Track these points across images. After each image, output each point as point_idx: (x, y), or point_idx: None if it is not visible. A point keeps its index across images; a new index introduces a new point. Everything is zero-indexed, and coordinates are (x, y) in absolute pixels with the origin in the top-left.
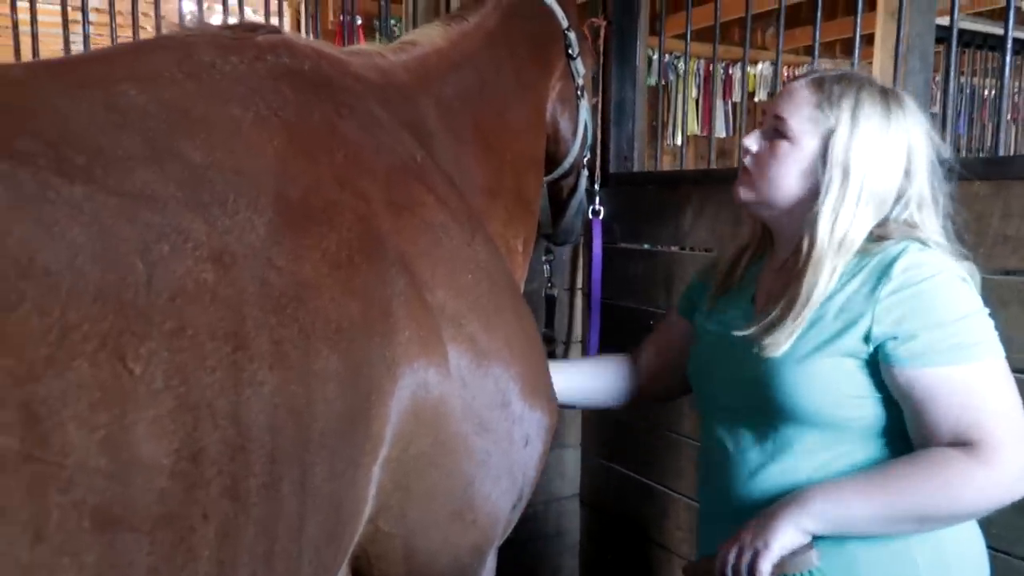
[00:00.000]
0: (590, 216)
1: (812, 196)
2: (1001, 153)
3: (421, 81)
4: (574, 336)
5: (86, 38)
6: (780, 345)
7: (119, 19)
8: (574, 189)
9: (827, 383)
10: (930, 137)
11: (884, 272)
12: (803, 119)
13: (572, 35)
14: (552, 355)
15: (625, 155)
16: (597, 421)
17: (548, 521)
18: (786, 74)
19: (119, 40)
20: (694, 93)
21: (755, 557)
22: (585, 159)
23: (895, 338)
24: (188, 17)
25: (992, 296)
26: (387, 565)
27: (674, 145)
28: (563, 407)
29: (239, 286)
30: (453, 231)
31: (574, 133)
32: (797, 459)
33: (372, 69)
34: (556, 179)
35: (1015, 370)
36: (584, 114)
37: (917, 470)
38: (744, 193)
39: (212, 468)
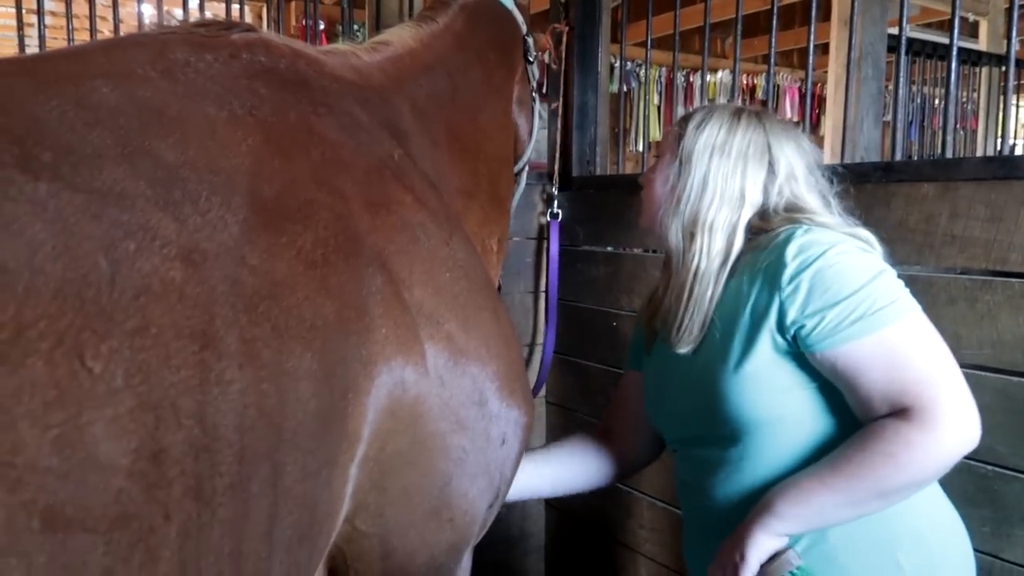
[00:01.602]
0: (548, 219)
1: (675, 201)
2: (948, 156)
3: (395, 82)
4: (538, 339)
5: (41, 39)
6: (682, 340)
7: (75, 22)
8: (517, 185)
9: (764, 383)
10: (796, 140)
11: (778, 260)
12: (666, 141)
13: (530, 40)
14: None
15: (588, 159)
16: (561, 424)
17: (512, 524)
18: (744, 81)
19: (76, 42)
20: (656, 100)
21: (736, 572)
22: (527, 162)
23: (803, 324)
24: (148, 20)
25: (941, 294)
26: (364, 565)
27: (636, 151)
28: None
29: (209, 284)
30: (431, 230)
31: (529, 133)
32: (763, 461)
33: (348, 69)
34: None
35: (965, 366)
36: (536, 119)
37: (862, 448)
38: (640, 220)
39: (175, 468)
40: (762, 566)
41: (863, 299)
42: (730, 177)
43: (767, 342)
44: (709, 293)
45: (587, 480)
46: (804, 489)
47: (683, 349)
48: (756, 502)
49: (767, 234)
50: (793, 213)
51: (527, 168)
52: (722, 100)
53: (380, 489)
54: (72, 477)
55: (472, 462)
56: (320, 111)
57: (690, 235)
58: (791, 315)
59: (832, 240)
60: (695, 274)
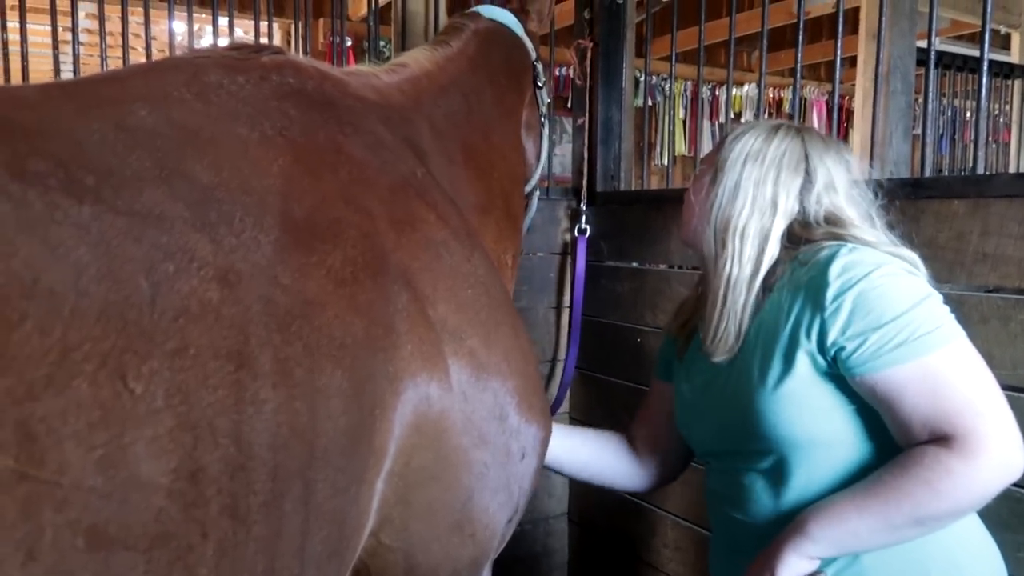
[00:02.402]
0: (576, 234)
1: (709, 209)
2: (980, 172)
3: (414, 102)
4: (560, 354)
5: (76, 59)
6: (718, 349)
7: (109, 39)
8: (526, 209)
9: (803, 402)
10: (837, 151)
11: (821, 279)
12: (709, 155)
13: (539, 66)
14: None
15: (612, 174)
16: None
17: (536, 540)
18: (771, 95)
19: (108, 61)
20: (681, 114)
21: None
22: (537, 184)
23: (843, 346)
24: (179, 38)
25: (973, 313)
26: None
27: (661, 165)
28: (558, 472)
29: (244, 305)
30: (454, 247)
31: (537, 157)
32: (798, 480)
33: (370, 89)
34: None
35: (1002, 386)
36: (545, 142)
37: (901, 474)
38: (681, 234)
39: (212, 487)
40: None
41: (907, 324)
42: (761, 184)
43: (806, 361)
44: (742, 300)
45: (612, 476)
46: (838, 512)
47: (719, 358)
48: (788, 521)
49: (809, 246)
50: (833, 227)
51: (537, 188)
52: (748, 114)
53: (405, 503)
54: (115, 496)
55: (493, 477)
56: (347, 130)
57: (722, 242)
58: (832, 336)
59: (877, 261)
60: (727, 281)
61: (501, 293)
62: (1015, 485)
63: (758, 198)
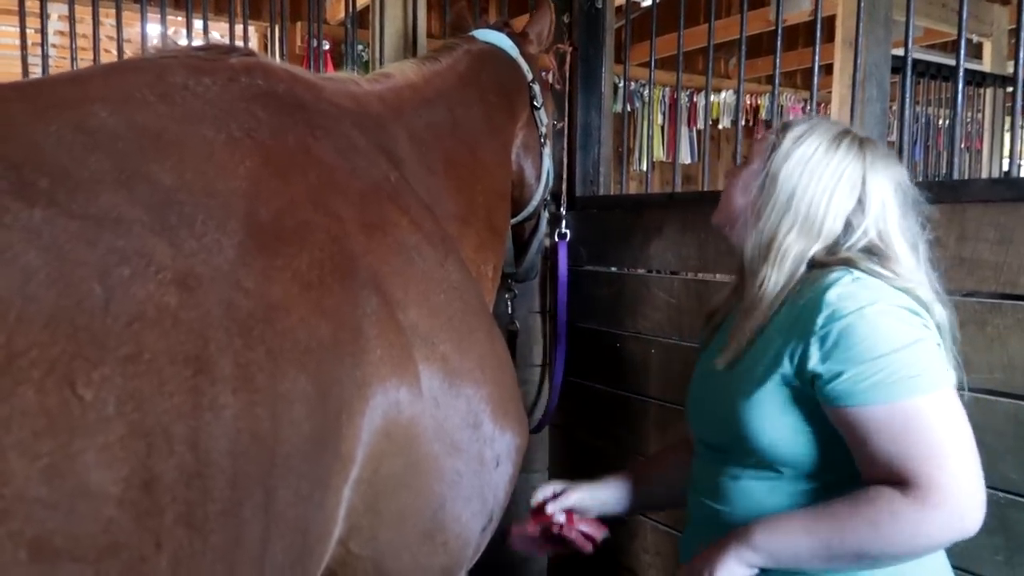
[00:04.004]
0: (555, 239)
1: (755, 215)
2: (955, 177)
3: (394, 111)
4: (542, 359)
5: (45, 58)
6: (725, 359)
7: (81, 42)
8: (535, 230)
9: (776, 418)
10: (897, 180)
11: (816, 303)
12: (760, 147)
13: (536, 87)
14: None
15: (591, 179)
16: (564, 446)
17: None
18: (748, 102)
19: (80, 64)
20: (660, 120)
21: None
22: (545, 203)
23: (821, 375)
24: (153, 41)
25: None
26: None
27: (640, 170)
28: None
29: (203, 309)
30: (426, 252)
31: (537, 178)
32: (764, 487)
33: (345, 95)
34: (520, 221)
35: (973, 390)
36: (547, 161)
37: (852, 508)
38: (713, 217)
39: (166, 495)
40: None
41: (887, 365)
42: (815, 205)
43: (786, 380)
44: (762, 316)
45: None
46: (785, 529)
47: (721, 363)
48: (749, 521)
49: (822, 270)
50: (869, 259)
51: (544, 212)
52: (725, 120)
53: (374, 511)
54: (61, 506)
55: (466, 485)
56: (317, 134)
57: (763, 257)
58: (811, 361)
59: (875, 297)
60: (759, 295)
61: (476, 299)
62: (992, 488)
63: (808, 219)
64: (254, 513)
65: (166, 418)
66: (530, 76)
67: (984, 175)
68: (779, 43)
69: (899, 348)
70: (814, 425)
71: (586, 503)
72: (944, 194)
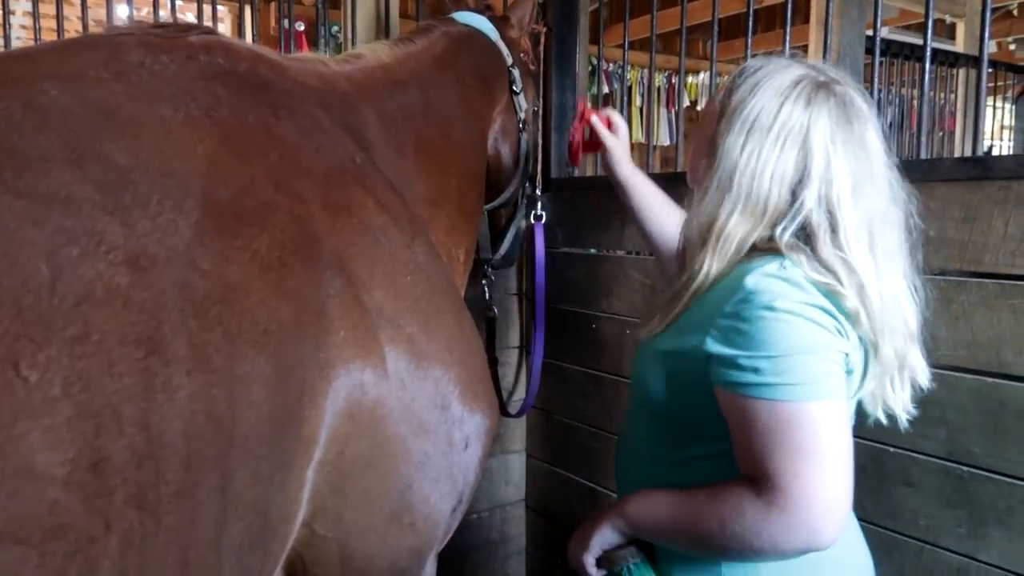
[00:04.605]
0: (532, 221)
1: (700, 194)
2: (923, 156)
3: (363, 92)
4: (520, 341)
5: (7, 41)
6: (651, 329)
7: (43, 22)
8: (513, 216)
9: (680, 386)
10: (850, 140)
11: (737, 284)
12: (711, 108)
13: (516, 72)
14: (495, 376)
15: (567, 161)
16: (542, 427)
17: (493, 527)
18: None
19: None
20: (638, 102)
21: (582, 550)
22: (524, 189)
23: (719, 356)
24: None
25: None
26: (323, 569)
27: None
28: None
29: (156, 289)
30: (392, 233)
31: (515, 163)
32: (659, 452)
33: (312, 75)
34: (497, 207)
35: (940, 367)
36: (525, 146)
37: (708, 500)
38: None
39: (116, 476)
40: (605, 552)
41: (776, 366)
42: (758, 176)
43: (693, 354)
44: (686, 305)
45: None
46: (651, 506)
47: (644, 335)
48: (647, 481)
49: (756, 255)
50: (799, 248)
51: (523, 198)
52: (703, 103)
53: (339, 493)
54: (4, 488)
55: (434, 466)
56: (280, 113)
57: (703, 242)
58: (713, 341)
59: (790, 293)
60: (690, 285)
61: (444, 281)
62: (956, 462)
63: (751, 198)
64: (210, 495)
65: (116, 399)
66: (510, 60)
67: (957, 156)
68: (750, 24)
69: (796, 352)
70: (703, 399)
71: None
72: (912, 174)
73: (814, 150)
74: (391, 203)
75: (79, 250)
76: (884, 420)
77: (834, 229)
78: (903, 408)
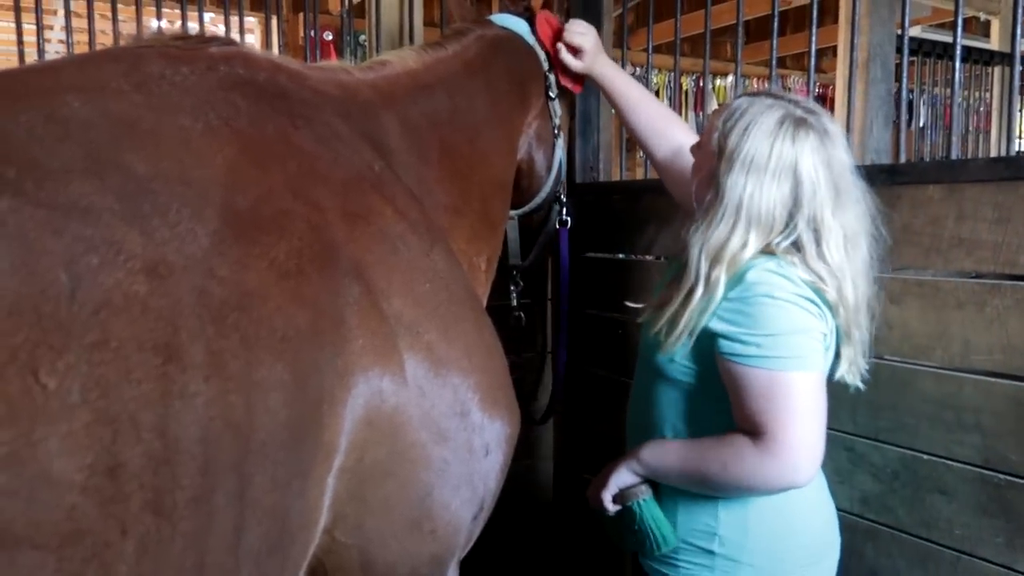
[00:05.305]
0: (557, 226)
1: (707, 223)
2: (954, 157)
3: (386, 99)
4: (545, 346)
5: (41, 54)
6: (651, 327)
7: (78, 36)
8: (545, 222)
9: (688, 356)
10: (829, 162)
11: (739, 278)
12: (707, 145)
13: (552, 77)
14: (518, 382)
15: (591, 165)
16: (570, 433)
17: (522, 535)
18: (755, 85)
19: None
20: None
21: (601, 488)
22: (559, 195)
23: (723, 333)
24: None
25: (949, 299)
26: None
27: (643, 157)
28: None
29: (174, 297)
30: (411, 241)
31: (548, 169)
32: (666, 413)
33: (332, 84)
34: (528, 212)
35: (975, 372)
36: (559, 152)
37: (713, 446)
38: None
39: (133, 482)
40: (621, 490)
41: (773, 342)
42: (764, 210)
43: (700, 333)
44: (701, 307)
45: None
46: (663, 453)
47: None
48: (652, 431)
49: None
50: (792, 253)
51: (556, 204)
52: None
53: (359, 500)
54: (22, 494)
55: (454, 473)
56: (298, 123)
57: (716, 260)
58: (721, 322)
59: (784, 284)
60: (702, 291)
61: (463, 289)
62: (992, 470)
63: (759, 223)
64: (227, 500)
65: (133, 405)
66: (547, 65)
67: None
68: (775, 26)
69: (789, 332)
70: (705, 374)
71: None
72: (942, 174)
73: (803, 180)
74: (410, 211)
75: (98, 259)
76: (861, 386)
77: (818, 242)
78: (864, 369)
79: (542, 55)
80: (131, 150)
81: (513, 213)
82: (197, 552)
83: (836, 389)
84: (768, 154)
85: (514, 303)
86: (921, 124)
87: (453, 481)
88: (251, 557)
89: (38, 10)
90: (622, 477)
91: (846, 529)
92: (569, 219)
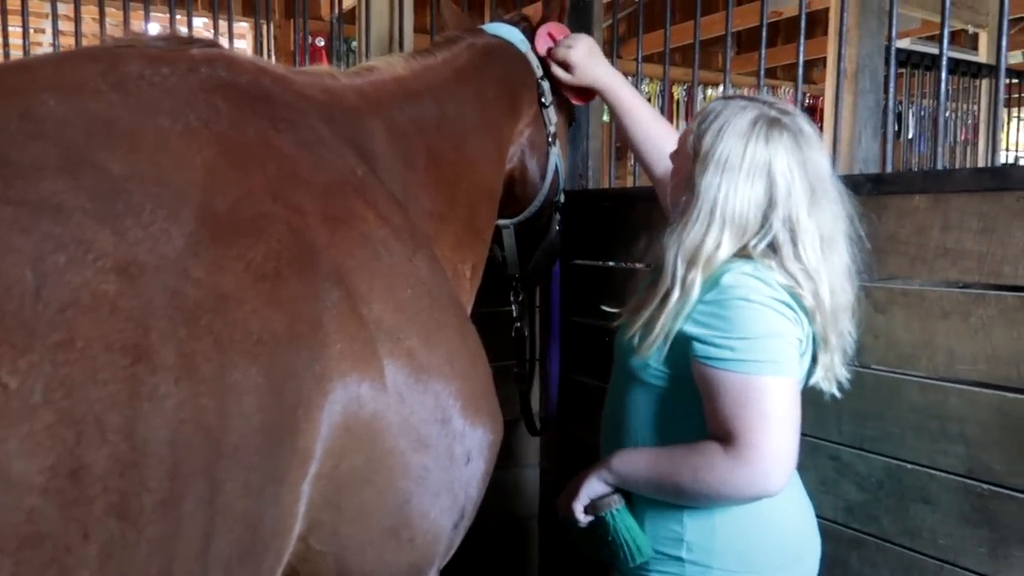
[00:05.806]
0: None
1: (683, 225)
2: (939, 167)
3: (372, 105)
4: (534, 354)
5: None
6: (627, 331)
7: (62, 40)
8: (544, 231)
9: (663, 361)
10: (803, 163)
11: (715, 281)
12: (683, 149)
13: (545, 84)
14: (524, 393)
15: (580, 172)
16: (557, 440)
17: (507, 543)
18: (746, 95)
19: None
20: None
21: (572, 498)
22: (558, 202)
23: (698, 336)
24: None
25: (934, 308)
26: None
27: (635, 164)
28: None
29: (145, 297)
30: (393, 246)
31: (542, 177)
32: (640, 418)
33: (317, 88)
34: (523, 221)
35: (960, 382)
36: (554, 160)
37: (684, 455)
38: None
39: (97, 485)
40: (592, 500)
41: (748, 346)
42: (738, 212)
43: (675, 338)
44: (677, 311)
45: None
46: (635, 461)
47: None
48: (626, 437)
49: (731, 259)
50: (769, 256)
51: (556, 214)
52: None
53: (335, 507)
54: None
55: (434, 480)
56: (281, 126)
57: (692, 263)
58: (693, 324)
59: (760, 289)
60: (679, 295)
61: (446, 295)
62: (976, 480)
63: (733, 224)
64: (197, 505)
65: (99, 406)
66: (539, 72)
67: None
68: (764, 36)
69: (764, 336)
70: (685, 375)
71: None
72: (928, 184)
73: (777, 179)
74: (393, 216)
75: (66, 257)
76: (838, 394)
77: (795, 242)
78: (843, 378)
79: (535, 63)
80: (107, 149)
81: (508, 222)
82: (164, 558)
83: (822, 398)
84: (742, 154)
85: (515, 314)
86: (910, 136)
87: (433, 489)
88: (221, 564)
89: (24, 13)
90: (593, 487)
91: (831, 538)
92: (558, 227)
